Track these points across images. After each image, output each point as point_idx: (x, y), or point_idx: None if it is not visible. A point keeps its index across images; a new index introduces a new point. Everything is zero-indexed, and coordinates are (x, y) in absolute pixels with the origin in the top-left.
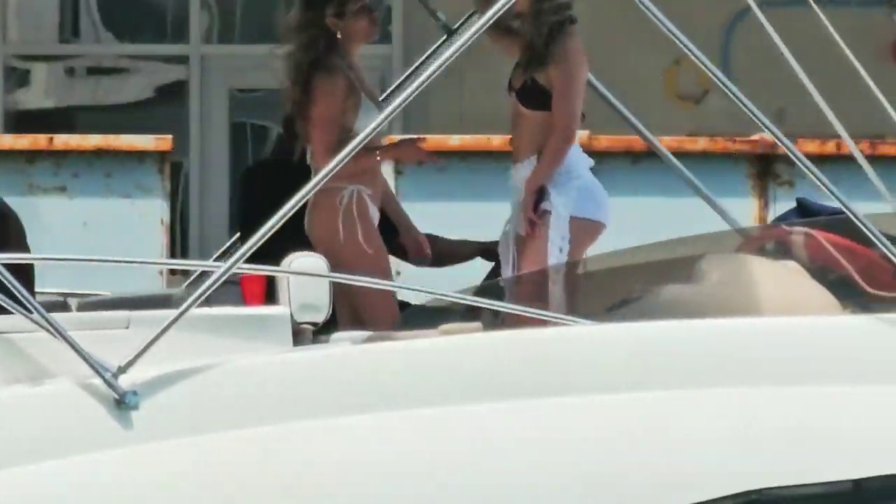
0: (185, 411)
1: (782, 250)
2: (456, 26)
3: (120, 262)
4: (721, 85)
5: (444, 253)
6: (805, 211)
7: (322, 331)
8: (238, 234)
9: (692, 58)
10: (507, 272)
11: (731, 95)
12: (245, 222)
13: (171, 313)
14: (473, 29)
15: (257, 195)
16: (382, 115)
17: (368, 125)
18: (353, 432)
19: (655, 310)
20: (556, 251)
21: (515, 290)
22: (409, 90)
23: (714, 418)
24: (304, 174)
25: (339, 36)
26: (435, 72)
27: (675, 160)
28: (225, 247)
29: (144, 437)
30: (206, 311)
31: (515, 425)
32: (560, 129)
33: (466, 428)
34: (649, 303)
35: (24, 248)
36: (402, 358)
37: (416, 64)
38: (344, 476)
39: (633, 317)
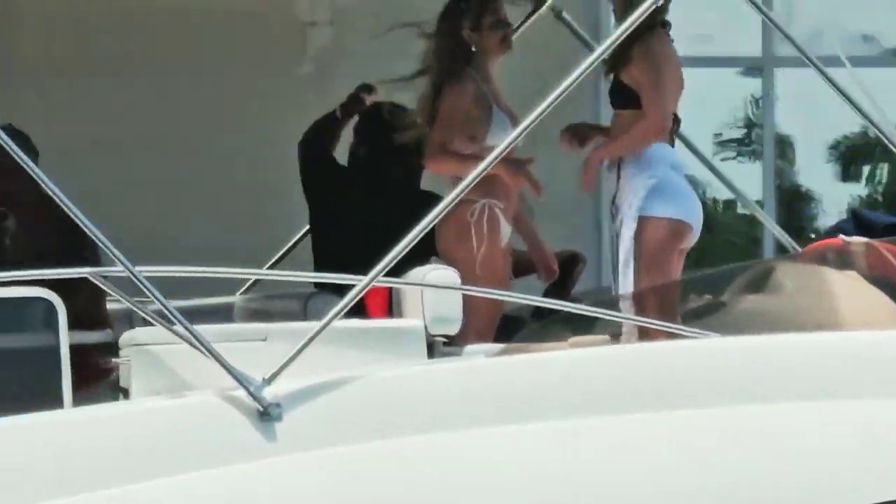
0: (328, 423)
1: (844, 261)
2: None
3: (262, 275)
4: (845, 101)
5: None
6: (861, 222)
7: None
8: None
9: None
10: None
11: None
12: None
13: (307, 326)
14: (610, 40)
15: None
16: (517, 131)
17: (503, 139)
18: (490, 443)
19: (738, 320)
20: (626, 255)
21: (629, 301)
22: (543, 105)
23: (840, 430)
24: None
25: (473, 49)
26: (570, 86)
27: None
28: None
29: (288, 448)
30: (341, 323)
31: (647, 436)
32: (648, 121)
33: (600, 439)
34: (731, 313)
35: None
36: (537, 370)
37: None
38: (482, 486)
39: (716, 326)
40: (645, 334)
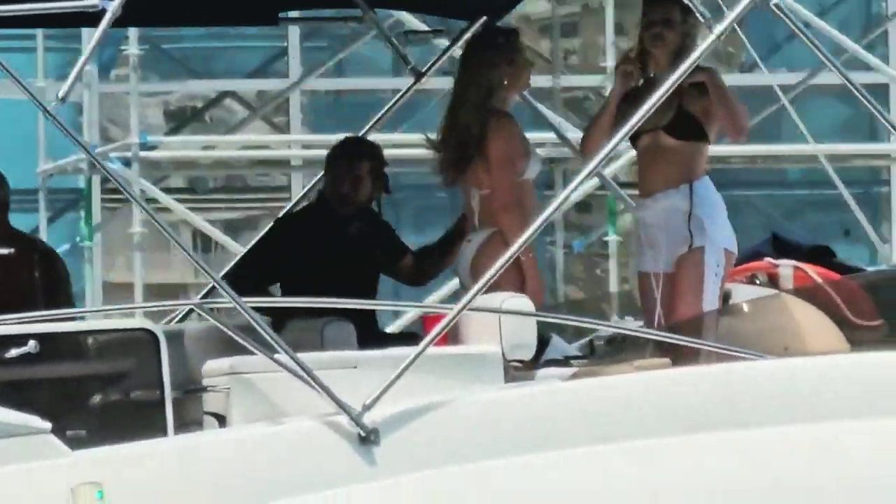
0: (425, 447)
1: (774, 283)
2: (425, 69)
3: (346, 304)
4: (859, 94)
5: (430, 264)
6: (779, 245)
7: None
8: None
9: (832, 67)
10: (647, 307)
11: (869, 104)
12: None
13: (397, 353)
14: (674, 77)
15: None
16: (595, 161)
17: (535, 172)
18: (575, 464)
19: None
20: (712, 278)
21: (684, 325)
22: (615, 140)
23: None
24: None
25: (505, 82)
26: (639, 120)
27: None
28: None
29: (390, 472)
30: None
31: (719, 454)
32: (742, 131)
33: (676, 457)
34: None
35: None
36: (611, 394)
37: (379, 115)
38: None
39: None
40: (697, 357)
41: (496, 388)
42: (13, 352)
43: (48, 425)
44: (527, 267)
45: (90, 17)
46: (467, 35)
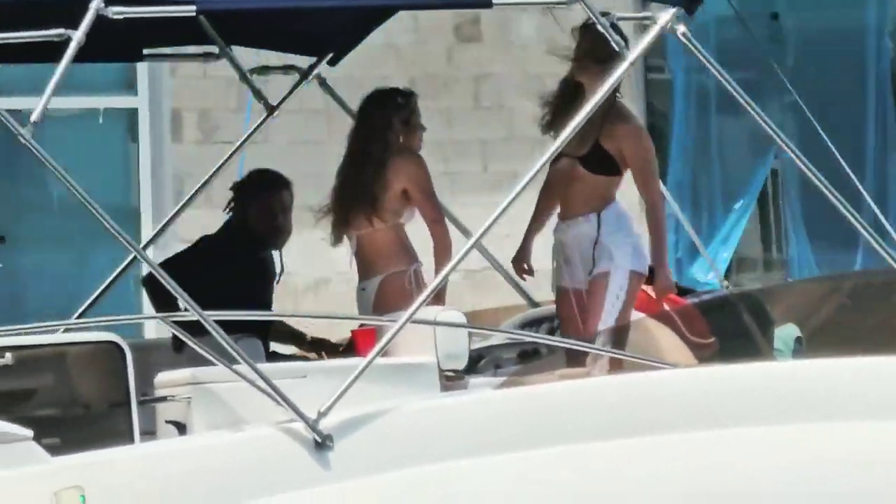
0: (375, 451)
1: None
2: (277, 103)
3: (301, 315)
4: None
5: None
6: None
7: None
8: None
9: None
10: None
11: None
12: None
13: (343, 364)
14: (590, 105)
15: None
16: (507, 200)
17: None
18: (507, 468)
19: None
20: (613, 300)
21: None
22: (532, 172)
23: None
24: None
25: (400, 139)
26: (553, 153)
27: None
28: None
29: (344, 475)
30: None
31: (635, 458)
32: (652, 204)
33: (603, 462)
34: None
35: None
36: (539, 400)
37: (237, 145)
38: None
39: None
40: (616, 366)
41: (434, 396)
42: None
43: (30, 433)
44: None
45: (54, 52)
46: (315, 71)
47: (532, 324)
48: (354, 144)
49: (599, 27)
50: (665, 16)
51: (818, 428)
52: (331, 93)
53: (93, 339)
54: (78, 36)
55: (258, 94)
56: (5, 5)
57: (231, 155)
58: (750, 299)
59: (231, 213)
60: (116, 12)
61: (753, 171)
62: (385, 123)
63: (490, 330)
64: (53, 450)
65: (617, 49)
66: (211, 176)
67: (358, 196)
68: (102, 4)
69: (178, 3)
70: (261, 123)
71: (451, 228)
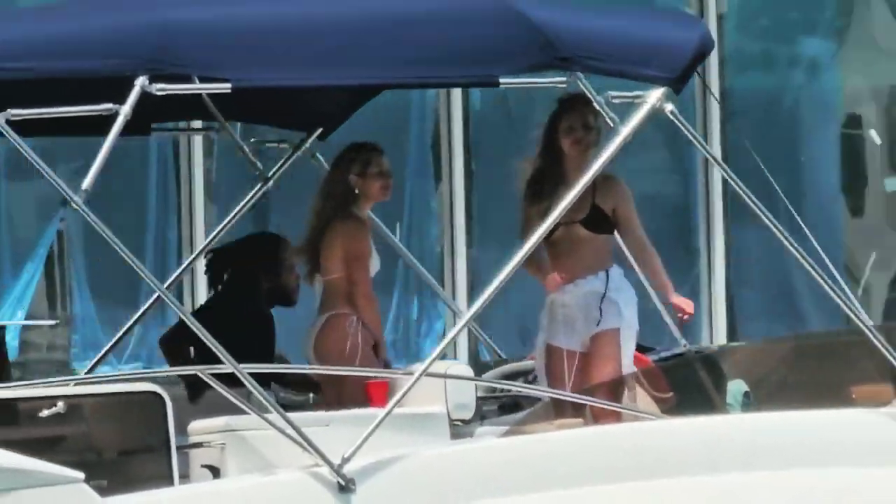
0: (393, 493)
1: None
2: (272, 173)
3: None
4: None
5: None
6: None
7: None
8: None
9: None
10: (544, 381)
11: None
12: None
13: (359, 413)
14: (587, 176)
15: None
16: (519, 255)
17: (376, 267)
18: None
19: None
20: (628, 354)
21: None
22: (541, 230)
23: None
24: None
25: (356, 191)
26: (560, 212)
27: None
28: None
29: None
30: (382, 412)
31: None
32: (645, 244)
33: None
34: None
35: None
36: (539, 448)
37: (233, 213)
38: None
39: None
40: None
41: (444, 443)
42: (45, 412)
43: (81, 475)
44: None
45: (103, 125)
46: (306, 145)
47: (509, 377)
48: (316, 197)
49: (596, 105)
50: (655, 94)
51: (767, 475)
52: (321, 165)
53: (136, 388)
54: (125, 110)
55: (253, 166)
56: (53, 82)
57: (231, 219)
58: (706, 359)
59: (233, 275)
60: (159, 89)
61: (41, 233)
62: (337, 178)
63: (494, 383)
64: (101, 491)
65: (612, 125)
66: (216, 234)
67: (308, 251)
68: (147, 81)
69: (215, 81)
70: (256, 192)
71: None
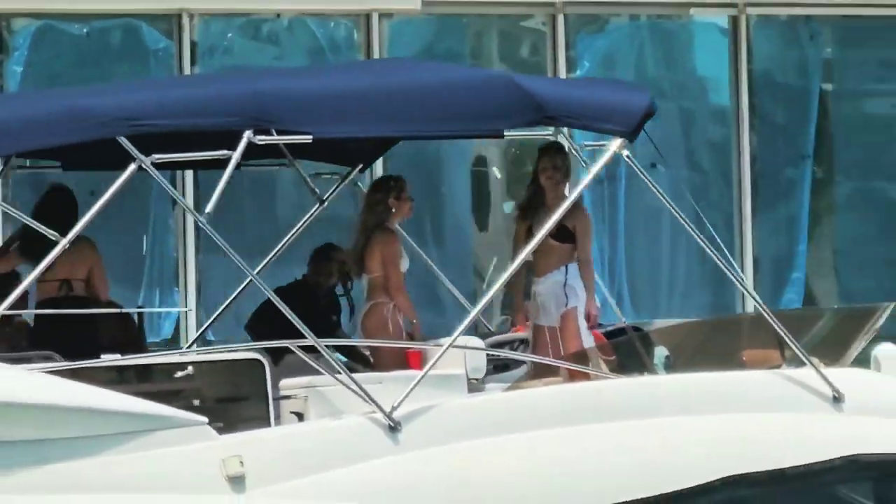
0: (429, 432)
1: None
2: (327, 196)
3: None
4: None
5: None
6: None
7: None
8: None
9: (675, 212)
10: (540, 346)
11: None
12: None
13: (402, 374)
14: (562, 209)
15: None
16: (517, 261)
17: (405, 266)
18: (516, 443)
19: None
20: (584, 327)
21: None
22: (531, 245)
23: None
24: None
25: (392, 211)
26: (552, 225)
27: None
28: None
29: (409, 448)
30: (417, 373)
31: (594, 440)
32: (588, 262)
33: (576, 440)
34: None
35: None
36: (531, 399)
37: (290, 235)
38: (519, 472)
39: None
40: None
41: (464, 396)
42: (178, 373)
43: (204, 419)
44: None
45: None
46: (351, 176)
47: (503, 344)
48: (362, 214)
49: (571, 150)
50: (616, 142)
51: (688, 419)
52: (360, 191)
53: (244, 356)
54: (236, 156)
55: (313, 192)
56: (181, 134)
57: (297, 230)
58: (639, 331)
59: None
60: (261, 139)
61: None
62: (378, 199)
63: (497, 353)
64: (219, 430)
65: (583, 165)
66: (286, 241)
67: (355, 255)
68: (252, 134)
69: (299, 133)
70: (314, 212)
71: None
